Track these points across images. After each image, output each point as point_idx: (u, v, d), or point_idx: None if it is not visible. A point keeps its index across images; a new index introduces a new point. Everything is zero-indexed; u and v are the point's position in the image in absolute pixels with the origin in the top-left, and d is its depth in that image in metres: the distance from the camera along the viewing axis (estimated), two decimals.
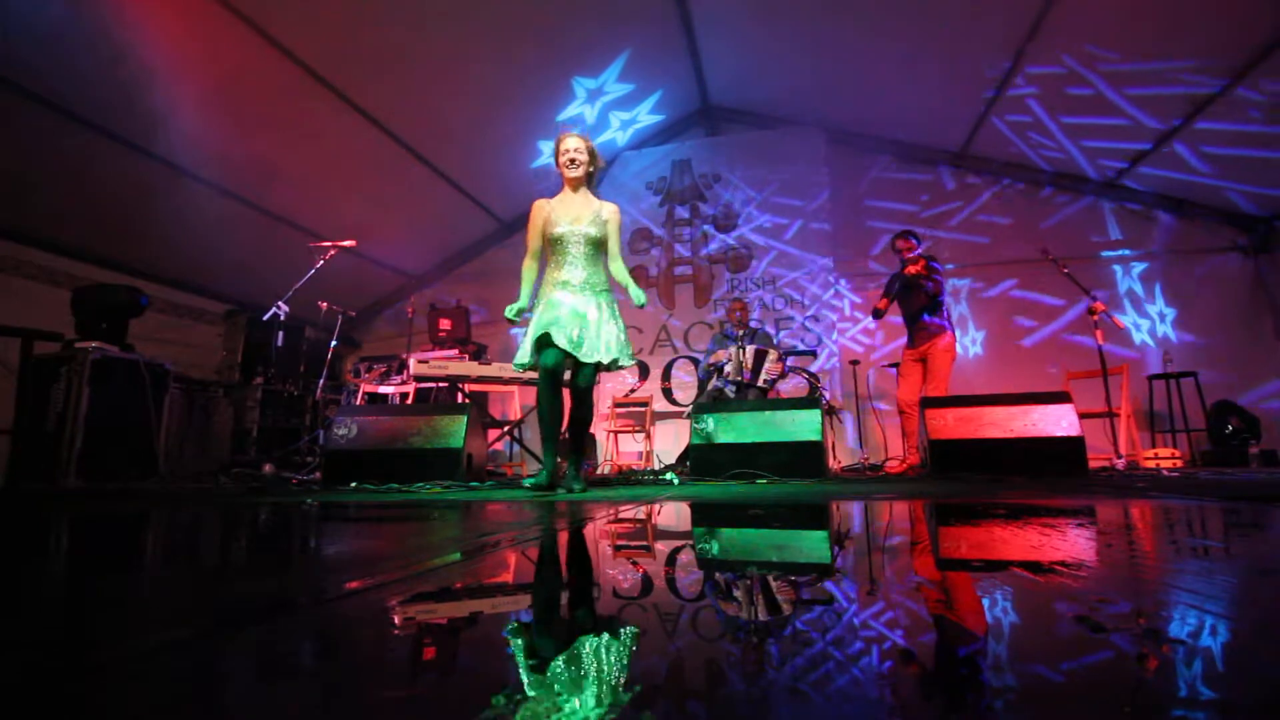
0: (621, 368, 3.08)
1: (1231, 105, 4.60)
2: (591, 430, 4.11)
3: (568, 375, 3.04)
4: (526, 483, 2.94)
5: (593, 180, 3.20)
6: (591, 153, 3.14)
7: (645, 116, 7.06)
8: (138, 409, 4.17)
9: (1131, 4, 4.21)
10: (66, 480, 3.79)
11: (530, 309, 3.08)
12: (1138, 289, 5.96)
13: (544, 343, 2.91)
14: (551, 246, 3.08)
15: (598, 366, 3.01)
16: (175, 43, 4.18)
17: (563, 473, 3.11)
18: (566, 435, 3.20)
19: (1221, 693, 0.44)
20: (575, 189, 3.12)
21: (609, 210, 3.13)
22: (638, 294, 3.06)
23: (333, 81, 4.91)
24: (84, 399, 3.91)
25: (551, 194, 3.18)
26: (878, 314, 4.74)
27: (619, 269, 3.13)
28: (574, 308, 2.95)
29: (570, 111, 6.30)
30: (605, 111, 6.58)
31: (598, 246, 3.07)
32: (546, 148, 6.45)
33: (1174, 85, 4.68)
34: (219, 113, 4.77)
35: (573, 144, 3.10)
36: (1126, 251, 6.02)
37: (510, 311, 2.98)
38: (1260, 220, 5.58)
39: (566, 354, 2.91)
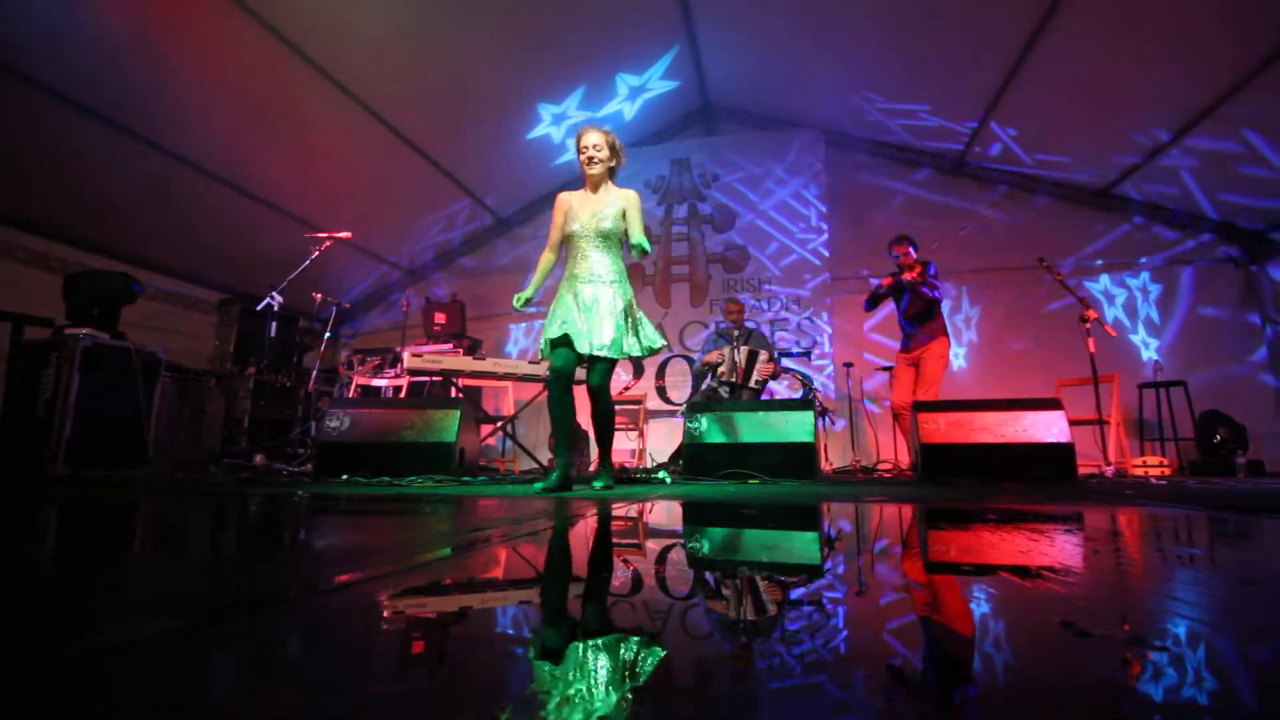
0: (629, 356, 2.97)
1: (1226, 119, 4.63)
2: (583, 426, 4.06)
3: (583, 374, 3.03)
4: (536, 487, 2.84)
5: (614, 175, 3.15)
6: (612, 147, 3.09)
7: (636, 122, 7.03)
8: (128, 397, 4.14)
9: (1131, 16, 4.23)
10: (55, 467, 3.75)
11: (534, 300, 3.10)
12: (1130, 298, 6.00)
13: (556, 343, 2.93)
14: (567, 242, 3.09)
15: (610, 365, 2.96)
16: (173, 30, 4.14)
17: (588, 469, 3.12)
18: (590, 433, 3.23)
19: (1203, 699, 0.44)
20: (595, 187, 3.09)
21: (626, 198, 3.06)
22: (639, 242, 2.93)
23: (331, 71, 4.88)
24: (74, 386, 3.87)
25: (563, 187, 3.23)
26: (872, 302, 4.74)
27: (638, 242, 2.96)
28: (581, 302, 2.94)
29: (570, 101, 6.25)
30: (610, 100, 6.53)
31: (610, 239, 3.02)
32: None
33: (1169, 98, 4.71)
34: (217, 102, 4.73)
35: (592, 140, 3.04)
36: (1120, 260, 6.06)
37: (517, 301, 3.04)
38: (1251, 233, 5.63)
39: (577, 354, 2.92)
